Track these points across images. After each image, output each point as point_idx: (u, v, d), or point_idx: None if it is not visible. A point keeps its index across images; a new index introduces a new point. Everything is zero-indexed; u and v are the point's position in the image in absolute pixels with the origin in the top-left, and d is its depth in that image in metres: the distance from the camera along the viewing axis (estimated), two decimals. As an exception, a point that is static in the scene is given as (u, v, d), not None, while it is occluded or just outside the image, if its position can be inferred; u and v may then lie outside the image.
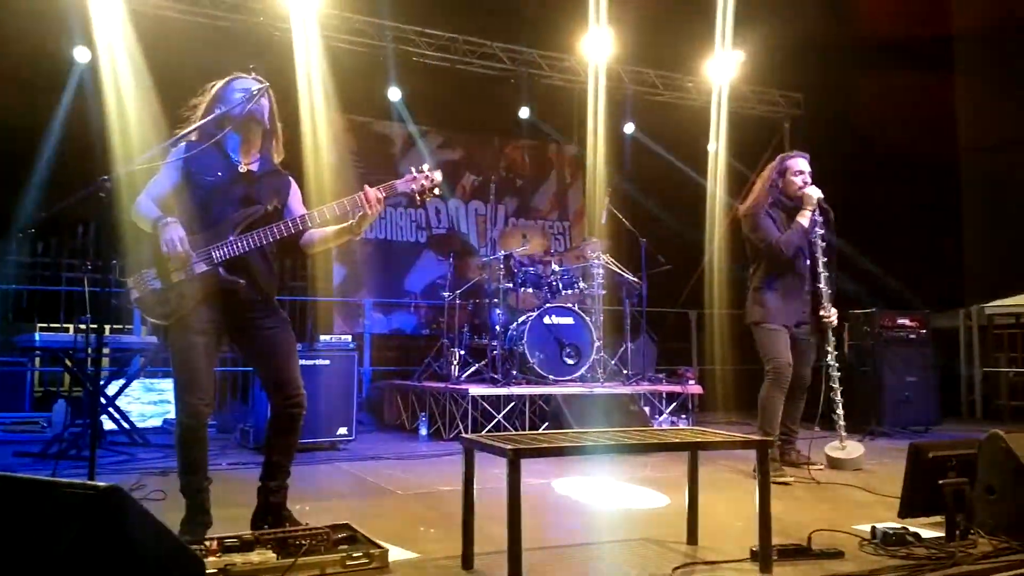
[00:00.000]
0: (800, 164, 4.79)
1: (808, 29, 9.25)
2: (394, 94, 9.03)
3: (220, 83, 3.11)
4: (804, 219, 4.64)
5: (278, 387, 3.09)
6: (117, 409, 5.85)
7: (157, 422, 6.93)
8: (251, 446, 5.57)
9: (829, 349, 4.72)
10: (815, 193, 4.67)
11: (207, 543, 2.60)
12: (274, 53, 7.78)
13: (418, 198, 3.10)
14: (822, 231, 4.71)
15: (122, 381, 5.99)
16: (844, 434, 4.82)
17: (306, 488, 4.15)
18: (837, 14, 9.31)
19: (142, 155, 3.20)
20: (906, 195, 9.38)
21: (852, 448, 4.81)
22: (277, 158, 3.22)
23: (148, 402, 7.03)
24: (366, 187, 3.01)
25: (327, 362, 5.65)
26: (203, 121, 2.99)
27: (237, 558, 2.49)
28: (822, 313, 4.69)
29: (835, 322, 4.73)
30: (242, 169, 3.07)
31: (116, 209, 2.94)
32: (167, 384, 7.20)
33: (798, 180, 4.74)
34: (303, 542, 2.62)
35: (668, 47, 9.59)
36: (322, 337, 5.85)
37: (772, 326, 4.62)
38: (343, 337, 6.00)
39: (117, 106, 6.93)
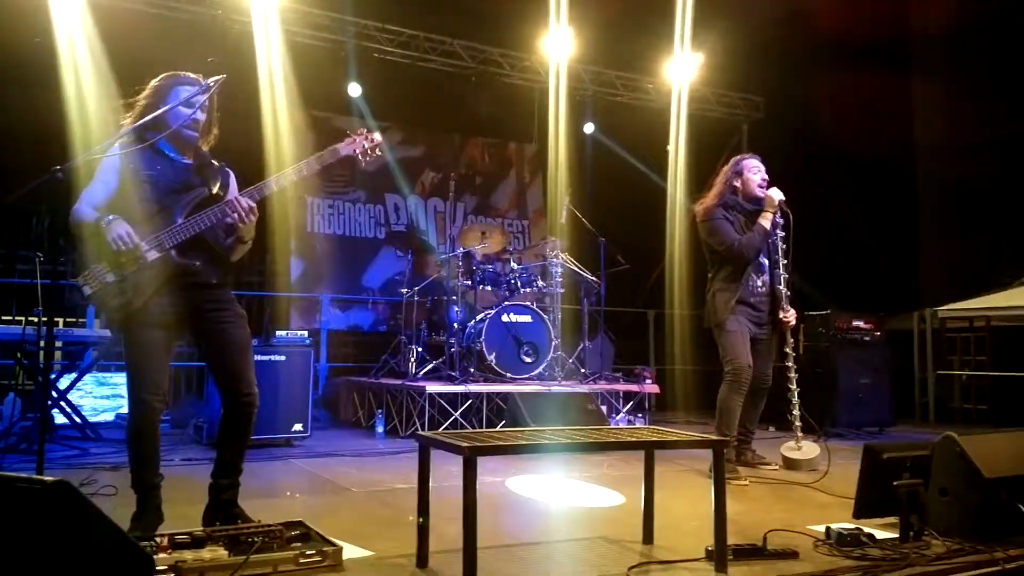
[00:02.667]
0: (757, 164, 4.84)
1: (767, 32, 9.37)
2: (354, 90, 8.95)
3: (163, 82, 3.10)
4: (766, 221, 4.68)
5: (230, 383, 3.07)
6: (68, 403, 5.72)
7: (110, 416, 6.78)
8: (204, 442, 5.47)
9: (787, 351, 4.78)
10: (777, 195, 4.72)
11: (157, 539, 2.53)
12: (234, 46, 7.65)
13: (362, 159, 3.22)
14: (783, 233, 4.76)
15: (74, 375, 5.84)
16: (800, 435, 4.87)
17: (260, 485, 4.08)
18: (796, 17, 9.43)
19: (99, 145, 3.10)
20: (863, 197, 9.54)
21: (808, 449, 4.85)
22: (206, 147, 3.23)
23: (100, 396, 6.88)
24: (235, 196, 3.05)
25: (283, 358, 5.56)
26: (143, 121, 2.99)
27: (188, 555, 2.43)
28: (781, 314, 4.75)
29: (793, 323, 4.78)
30: (178, 163, 3.11)
31: (70, 200, 2.88)
32: (120, 378, 7.05)
33: (756, 178, 4.78)
34: (255, 539, 2.56)
35: (628, 48, 9.64)
36: (278, 333, 5.76)
37: (732, 328, 4.66)
38: (299, 333, 5.93)
39: (76, 97, 6.76)
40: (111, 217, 2.88)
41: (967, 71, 10.58)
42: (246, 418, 3.08)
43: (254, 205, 3.05)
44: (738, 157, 4.94)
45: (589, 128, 10.20)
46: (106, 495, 3.67)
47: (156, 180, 3.00)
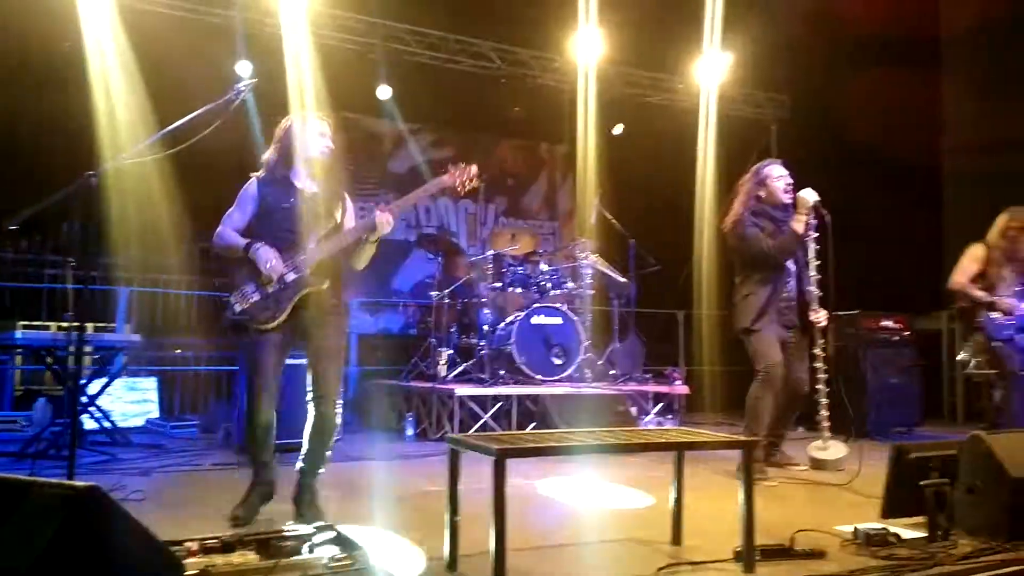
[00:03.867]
0: (779, 170, 4.80)
1: (794, 31, 9.29)
2: (384, 92, 9.01)
3: (295, 122, 3.58)
4: (799, 224, 4.64)
5: (314, 389, 3.52)
6: (98, 408, 5.80)
7: (139, 422, 6.88)
8: (234, 446, 5.54)
9: (816, 351, 4.75)
10: (811, 196, 4.66)
11: (187, 544, 2.57)
12: (263, 49, 7.75)
13: (460, 189, 3.68)
14: (816, 234, 4.71)
15: (104, 380, 5.93)
16: (828, 435, 4.84)
17: (290, 489, 4.13)
18: (822, 15, 9.34)
19: (130, 150, 3.20)
20: (891, 196, 9.41)
21: (835, 449, 4.82)
22: (333, 179, 3.68)
23: (130, 401, 6.98)
24: (377, 211, 3.47)
25: (312, 361, 5.61)
26: (277, 157, 3.56)
27: (218, 559, 2.47)
28: (812, 316, 4.71)
29: (824, 323, 4.74)
30: (307, 193, 3.54)
31: (102, 204, 2.96)
32: (150, 383, 7.17)
33: (781, 185, 4.74)
34: (285, 544, 2.60)
35: (657, 49, 9.60)
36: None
37: (762, 331, 4.63)
38: (329, 336, 5.97)
39: (105, 101, 6.89)
40: (259, 244, 3.40)
41: (996, 68, 10.40)
42: (318, 421, 3.53)
43: (391, 220, 3.47)
44: (758, 166, 4.89)
45: (618, 129, 10.18)
46: (135, 500, 3.70)
47: (290, 211, 3.47)
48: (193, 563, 2.41)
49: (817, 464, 4.80)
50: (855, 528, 2.95)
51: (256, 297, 3.42)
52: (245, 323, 3.45)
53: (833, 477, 4.50)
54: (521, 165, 10.49)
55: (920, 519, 3.00)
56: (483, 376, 6.59)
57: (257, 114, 7.49)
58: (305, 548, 2.61)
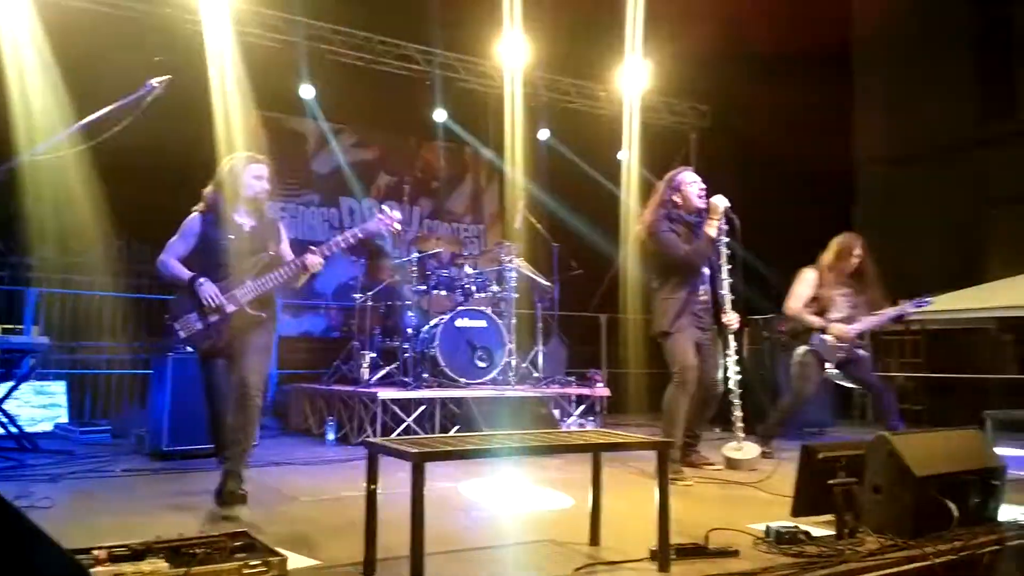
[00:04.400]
0: (692, 176, 4.94)
1: (716, 41, 9.54)
2: (307, 91, 8.88)
3: (237, 163, 3.91)
4: (712, 229, 4.77)
5: (239, 384, 3.72)
6: (4, 412, 5.55)
7: (48, 426, 6.60)
8: (147, 452, 5.37)
9: (729, 353, 4.89)
10: (722, 203, 4.81)
11: (95, 552, 2.49)
12: (184, 46, 7.54)
13: (387, 233, 4.02)
14: (727, 239, 4.86)
15: (11, 384, 5.68)
16: (741, 435, 4.98)
17: (204, 495, 4.03)
18: (742, 28, 9.62)
19: (43, 145, 3.09)
20: (804, 204, 9.76)
21: (748, 449, 4.98)
22: (269, 213, 4.08)
23: (38, 406, 6.69)
24: (307, 254, 3.82)
25: (229, 364, 5.49)
26: (217, 195, 3.89)
27: (127, 568, 2.39)
28: (724, 319, 4.85)
29: (736, 327, 4.89)
30: (247, 229, 3.89)
31: (12, 201, 2.86)
32: (59, 387, 6.89)
33: (695, 190, 4.87)
34: (197, 551, 2.53)
35: (582, 56, 9.74)
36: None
37: (678, 334, 4.74)
38: (248, 339, 5.84)
39: (20, 95, 6.61)
40: (202, 280, 3.75)
41: (904, 81, 10.90)
42: (239, 404, 3.69)
43: (322, 261, 3.84)
44: (672, 173, 5.02)
45: (544, 134, 10.27)
46: (42, 508, 3.56)
47: (229, 247, 3.81)
48: (101, 572, 2.34)
49: (732, 464, 4.94)
50: (767, 526, 3.03)
51: (199, 326, 3.79)
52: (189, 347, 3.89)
53: (747, 476, 4.63)
54: (446, 168, 10.46)
55: (829, 517, 3.10)
56: (406, 379, 6.55)
57: (177, 111, 7.30)
58: (218, 555, 2.55)
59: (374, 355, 6.94)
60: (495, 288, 7.21)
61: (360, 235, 3.93)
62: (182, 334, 3.80)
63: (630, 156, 9.82)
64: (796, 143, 9.72)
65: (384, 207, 4.00)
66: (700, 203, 4.84)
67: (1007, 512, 3.39)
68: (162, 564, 2.44)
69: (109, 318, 7.64)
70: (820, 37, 10.09)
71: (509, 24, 8.68)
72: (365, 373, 6.78)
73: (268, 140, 9.07)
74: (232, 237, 3.84)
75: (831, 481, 3.06)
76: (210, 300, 3.74)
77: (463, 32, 9.26)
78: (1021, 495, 3.88)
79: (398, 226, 3.96)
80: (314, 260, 3.81)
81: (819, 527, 3.11)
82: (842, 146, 11.07)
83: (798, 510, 3.14)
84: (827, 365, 5.56)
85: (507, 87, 9.28)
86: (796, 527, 3.00)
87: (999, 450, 3.82)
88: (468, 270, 7.21)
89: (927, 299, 5.56)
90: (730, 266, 4.90)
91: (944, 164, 10.52)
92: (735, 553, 2.84)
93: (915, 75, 10.86)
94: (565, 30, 9.23)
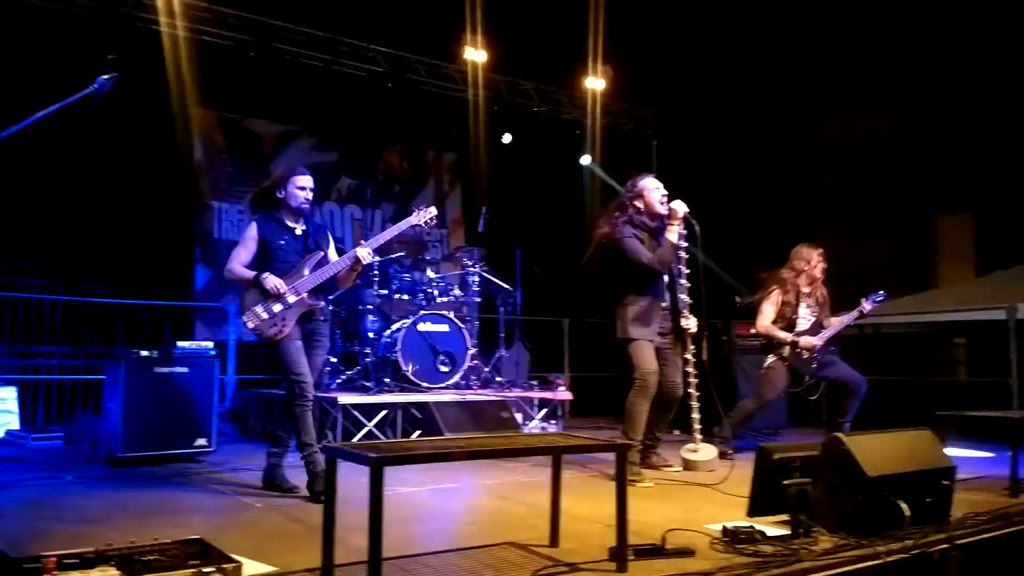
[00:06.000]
0: (654, 183, 4.97)
1: (678, 48, 9.66)
2: (266, 92, 8.78)
3: (284, 173, 4.44)
4: (673, 235, 4.81)
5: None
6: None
7: (-1, 433, 6.44)
8: (100, 458, 5.26)
9: (688, 357, 4.94)
10: (681, 208, 4.84)
11: (43, 560, 2.43)
12: (138, 44, 7.43)
13: (424, 226, 4.65)
14: (686, 244, 4.91)
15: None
16: (699, 438, 5.03)
17: (159, 502, 3.97)
18: (704, 34, 9.75)
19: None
20: (763, 211, 9.92)
21: (705, 451, 5.03)
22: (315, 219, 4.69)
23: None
24: (356, 247, 4.33)
25: (185, 369, 5.39)
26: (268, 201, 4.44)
27: (76, 576, 2.34)
28: (683, 323, 4.90)
29: (694, 330, 4.94)
30: (298, 232, 4.41)
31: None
32: (9, 392, 6.71)
33: (657, 196, 4.91)
34: (149, 558, 2.48)
35: (545, 61, 9.77)
36: (180, 344, 5.58)
37: (638, 339, 4.78)
38: (204, 344, 5.76)
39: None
40: (266, 274, 4.21)
41: (864, 88, 11.14)
42: (295, 408, 4.27)
43: (371, 252, 4.37)
44: (635, 180, 5.05)
45: (507, 138, 10.27)
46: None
47: (285, 247, 4.32)
48: (48, 581, 2.28)
49: (689, 466, 4.99)
50: (723, 526, 3.07)
51: (265, 316, 4.20)
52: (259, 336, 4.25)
53: (705, 478, 4.67)
54: (409, 171, 10.41)
55: (784, 517, 3.15)
56: (368, 384, 6.50)
57: (131, 111, 7.20)
58: (170, 563, 2.51)
59: (335, 360, 6.88)
60: (458, 292, 7.20)
61: (403, 227, 4.52)
62: (250, 324, 4.21)
63: (592, 160, 9.89)
64: (756, 149, 9.87)
65: (423, 206, 4.65)
66: (662, 209, 4.88)
67: (957, 512, 3.45)
68: (113, 572, 2.39)
69: (61, 323, 7.48)
70: (780, 46, 10.28)
71: (471, 27, 8.70)
72: (325, 378, 6.71)
73: (225, 141, 8.99)
74: (287, 238, 4.35)
75: (786, 482, 3.10)
76: (275, 288, 4.17)
77: (425, 34, 9.23)
78: (971, 495, 3.98)
79: (433, 222, 4.61)
80: (364, 252, 4.29)
81: (775, 527, 3.15)
82: (800, 153, 11.26)
83: (754, 510, 3.17)
84: (804, 376, 5.77)
85: (470, 91, 9.29)
86: (752, 527, 3.04)
87: (949, 451, 3.91)
88: (431, 274, 7.18)
89: (881, 294, 5.76)
90: (688, 271, 4.95)
91: (897, 172, 10.76)
92: (692, 553, 2.87)
93: (872, 85, 11.10)
94: (528, 35, 9.26)
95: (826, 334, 5.71)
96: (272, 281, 4.20)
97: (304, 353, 4.29)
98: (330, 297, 4.61)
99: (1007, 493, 4.11)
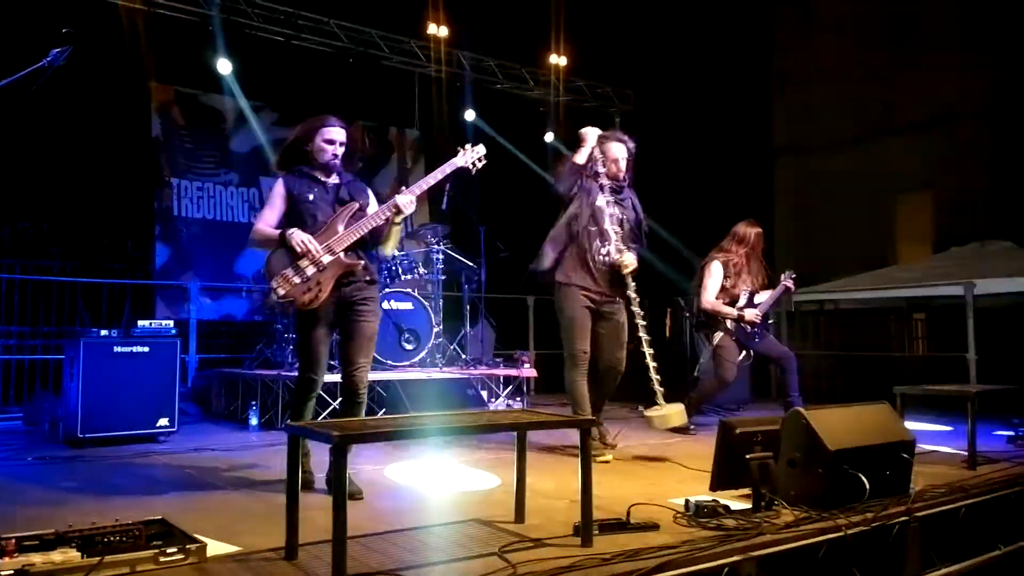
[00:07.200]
0: (621, 151, 4.90)
1: (641, 27, 9.65)
2: (224, 66, 8.61)
3: (311, 124, 3.83)
4: (578, 156, 4.80)
5: (344, 366, 3.78)
6: None
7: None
8: (60, 440, 5.17)
9: (638, 322, 4.72)
10: (592, 133, 4.82)
11: (3, 542, 2.39)
12: (95, 17, 7.23)
13: (472, 168, 4.01)
14: (610, 198, 4.80)
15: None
16: (661, 401, 4.74)
17: (120, 482, 3.91)
18: (667, 13, 9.76)
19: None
20: (724, 189, 10.00)
21: (670, 408, 4.71)
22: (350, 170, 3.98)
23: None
24: (397, 195, 3.73)
25: (145, 349, 5.31)
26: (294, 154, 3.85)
27: (36, 558, 2.31)
28: (619, 259, 4.73)
29: (631, 266, 4.75)
30: (330, 184, 3.85)
31: None
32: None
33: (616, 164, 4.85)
34: (111, 539, 2.45)
35: (507, 37, 9.72)
36: (140, 323, 5.49)
37: (567, 311, 4.74)
38: (164, 322, 5.67)
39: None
40: (292, 230, 3.65)
41: (821, 72, 11.25)
42: (351, 395, 3.77)
43: (413, 200, 3.75)
44: (610, 133, 5.01)
45: (470, 115, 10.21)
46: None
47: (315, 202, 3.76)
48: (8, 563, 2.25)
49: (656, 423, 4.69)
50: (686, 500, 3.11)
51: (297, 280, 3.64)
52: (289, 304, 3.72)
53: (667, 451, 4.71)
54: (371, 148, 10.31)
55: (746, 491, 3.20)
56: (332, 363, 6.45)
57: (87, 85, 7.02)
58: (132, 544, 2.48)
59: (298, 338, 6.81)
60: (422, 270, 7.16)
61: (447, 171, 3.95)
62: (280, 291, 3.65)
63: (556, 138, 9.88)
64: (717, 128, 9.92)
65: (468, 144, 4.04)
66: (617, 174, 4.85)
67: (916, 485, 3.53)
68: (74, 554, 2.36)
69: (19, 302, 7.32)
70: (741, 27, 10.33)
71: (434, 3, 8.61)
72: (289, 357, 6.66)
73: (183, 116, 8.81)
74: (317, 190, 3.80)
75: (748, 456, 3.14)
76: (302, 245, 3.62)
77: (386, 9, 9.11)
78: (930, 468, 4.08)
79: (481, 162, 4.03)
80: (405, 200, 3.73)
81: (737, 501, 3.20)
82: (760, 132, 11.36)
83: (717, 484, 3.22)
84: (750, 350, 5.91)
85: (432, 67, 9.21)
86: (715, 501, 3.08)
87: (909, 424, 4.00)
88: (394, 252, 7.13)
89: (791, 273, 6.05)
90: (618, 229, 4.82)
91: (855, 151, 10.90)
92: (656, 527, 2.90)
93: (829, 65, 11.20)
94: (489, 11, 9.19)
95: (763, 307, 5.90)
96: (299, 236, 3.65)
97: (326, 332, 3.78)
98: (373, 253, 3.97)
99: (965, 466, 4.20)
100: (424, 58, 9.35)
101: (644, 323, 4.78)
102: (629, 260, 4.75)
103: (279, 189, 3.81)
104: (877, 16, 10.84)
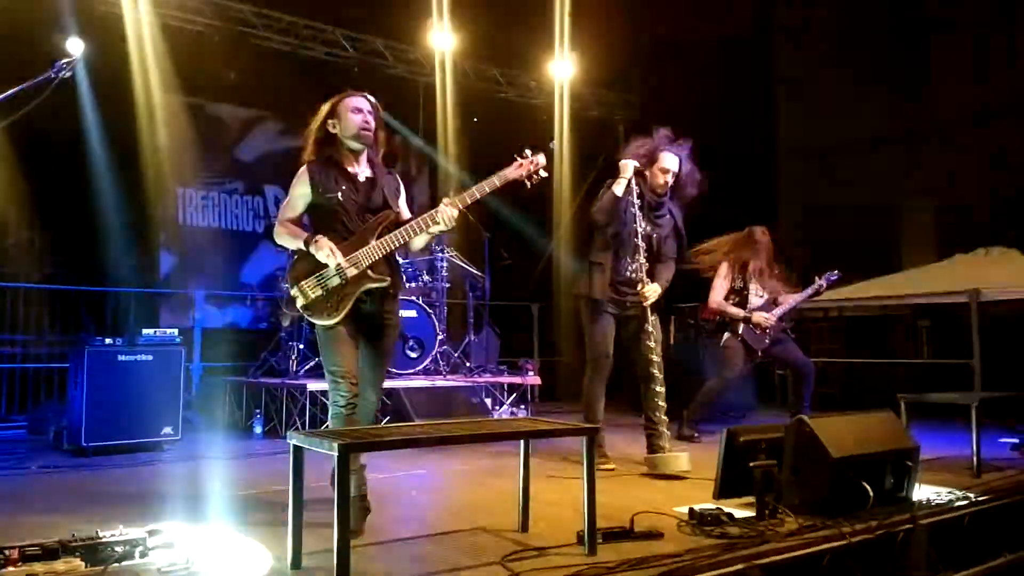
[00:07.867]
0: (671, 162, 4.85)
1: (645, 33, 9.66)
2: (230, 77, 8.64)
3: (334, 99, 3.48)
4: (617, 187, 4.66)
5: (361, 384, 3.43)
6: None
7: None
8: (65, 448, 5.18)
9: (648, 328, 4.59)
10: (631, 166, 4.71)
11: (7, 552, 2.40)
12: (101, 28, 7.26)
13: (528, 183, 3.52)
14: (644, 213, 4.71)
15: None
16: (667, 444, 4.54)
17: (124, 491, 3.92)
18: (671, 19, 9.77)
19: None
20: (730, 195, 9.99)
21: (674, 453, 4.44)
22: (378, 155, 3.57)
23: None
24: (442, 204, 3.40)
25: (150, 357, 5.33)
26: (321, 140, 3.46)
27: (39, 568, 2.32)
28: (639, 289, 4.63)
29: (651, 299, 4.61)
30: (361, 178, 3.46)
31: None
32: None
33: (658, 172, 4.80)
34: (115, 549, 2.46)
35: (512, 45, 9.74)
36: (144, 331, 5.51)
37: (593, 317, 4.70)
38: (169, 331, 5.68)
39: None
40: (318, 237, 3.31)
41: (825, 76, 11.25)
42: (365, 416, 3.47)
43: (457, 215, 3.40)
44: (663, 136, 4.99)
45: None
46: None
47: (344, 201, 3.38)
48: (12, 572, 2.26)
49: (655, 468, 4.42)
50: (690, 509, 3.11)
51: (318, 292, 3.34)
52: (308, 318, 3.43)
53: (681, 445, 4.72)
54: (399, 147, 10.30)
55: (750, 499, 3.19)
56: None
57: (93, 96, 7.06)
58: (136, 553, 2.49)
59: (302, 346, 6.83)
60: (426, 278, 7.17)
61: (497, 183, 3.49)
62: (300, 302, 3.37)
63: (561, 146, 9.88)
64: (724, 134, 9.91)
65: (527, 151, 3.51)
66: (660, 188, 4.82)
67: (920, 492, 3.53)
68: (77, 563, 2.37)
69: (23, 310, 7.35)
70: (745, 31, 10.33)
71: (437, 10, 8.64)
72: (293, 365, 6.67)
73: (188, 126, 8.84)
74: (345, 189, 3.41)
75: (752, 463, 3.14)
76: (328, 255, 3.27)
77: (391, 18, 9.14)
78: (934, 475, 4.06)
79: (539, 175, 3.52)
80: (450, 215, 3.36)
81: (741, 509, 3.19)
82: (767, 137, 11.35)
83: (721, 492, 3.22)
84: (757, 352, 5.88)
85: (437, 75, 9.23)
86: (719, 509, 3.08)
87: (913, 432, 3.98)
88: (398, 259, 7.15)
89: (835, 272, 5.98)
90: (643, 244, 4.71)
91: (862, 156, 10.88)
92: (660, 536, 2.90)
93: (836, 69, 11.20)
94: (495, 19, 9.21)
95: (779, 311, 5.90)
96: (325, 244, 3.29)
97: (351, 343, 3.39)
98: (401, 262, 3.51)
99: (970, 474, 4.19)
100: (429, 66, 9.38)
101: (658, 359, 4.60)
102: (650, 292, 4.60)
103: (301, 187, 3.44)
104: (879, 20, 10.85)
